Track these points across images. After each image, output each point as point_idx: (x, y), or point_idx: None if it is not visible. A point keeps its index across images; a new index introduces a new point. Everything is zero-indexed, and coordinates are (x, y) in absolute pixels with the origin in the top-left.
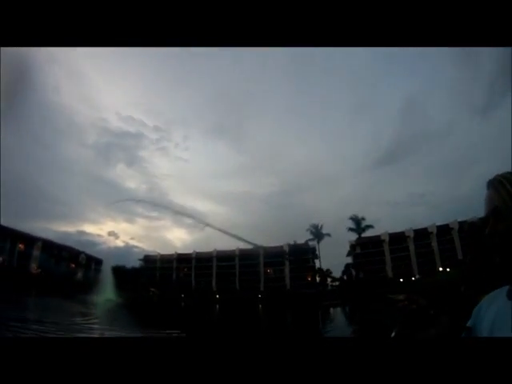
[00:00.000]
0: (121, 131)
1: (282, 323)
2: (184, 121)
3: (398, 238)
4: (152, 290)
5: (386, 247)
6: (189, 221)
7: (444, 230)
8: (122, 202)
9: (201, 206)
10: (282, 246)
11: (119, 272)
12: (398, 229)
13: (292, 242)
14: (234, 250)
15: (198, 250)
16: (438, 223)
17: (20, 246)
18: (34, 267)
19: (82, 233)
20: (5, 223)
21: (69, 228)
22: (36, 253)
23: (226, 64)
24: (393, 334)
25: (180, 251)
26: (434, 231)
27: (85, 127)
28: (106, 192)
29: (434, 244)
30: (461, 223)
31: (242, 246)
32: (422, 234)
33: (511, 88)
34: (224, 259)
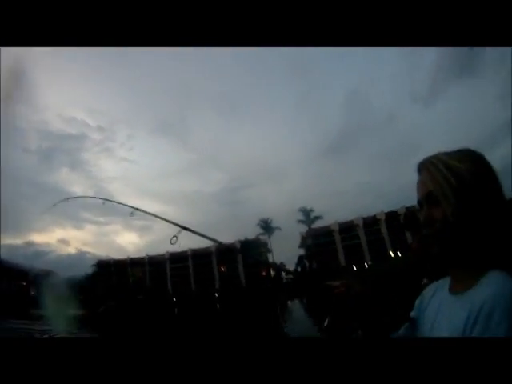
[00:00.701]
0: (63, 133)
1: (240, 321)
2: (128, 120)
3: (347, 227)
4: (101, 308)
5: (337, 236)
6: (139, 223)
7: (392, 216)
8: (68, 207)
9: (150, 207)
10: (233, 243)
11: (73, 281)
12: (347, 218)
13: (243, 239)
14: (186, 251)
15: (150, 254)
16: (386, 210)
17: None
18: None
19: (30, 243)
20: None
21: (15, 240)
22: None
23: (167, 61)
24: (325, 323)
25: (133, 255)
26: (383, 218)
27: (27, 131)
28: (52, 199)
29: (384, 230)
30: (408, 209)
31: (194, 245)
32: (371, 221)
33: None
34: (177, 261)
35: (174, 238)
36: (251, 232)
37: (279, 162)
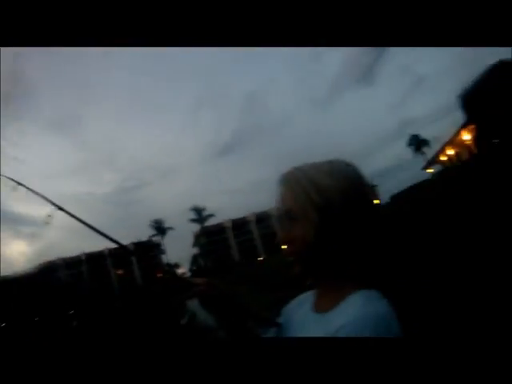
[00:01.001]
0: None
1: (142, 324)
2: (19, 115)
3: (240, 224)
4: None
5: (230, 233)
6: (27, 230)
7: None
8: None
9: (40, 211)
10: (126, 246)
11: None
12: (240, 215)
13: (136, 241)
14: (80, 256)
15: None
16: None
17: None
18: None
19: None
20: None
21: None
22: None
23: (60, 57)
24: (183, 321)
25: (22, 266)
26: (253, 218)
27: None
28: None
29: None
30: None
31: (88, 249)
32: (263, 217)
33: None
34: (71, 267)
35: (49, 217)
36: (144, 233)
37: (173, 162)
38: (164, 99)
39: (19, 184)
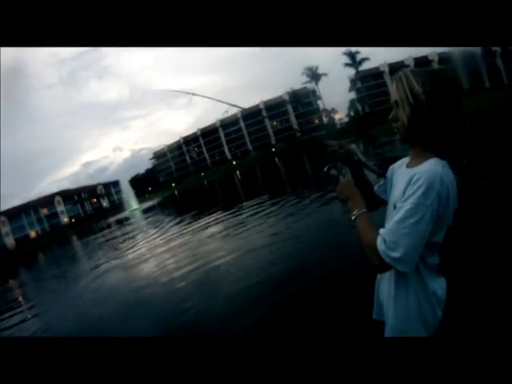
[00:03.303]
0: (77, 51)
1: (302, 169)
2: None
3: (397, 68)
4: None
5: (387, 78)
6: (183, 100)
7: (445, 58)
8: (111, 113)
9: (191, 82)
10: (281, 96)
11: (137, 181)
12: (396, 59)
13: (289, 90)
14: (236, 114)
15: (200, 127)
16: (439, 51)
17: (43, 210)
18: (65, 220)
19: (88, 164)
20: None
21: (73, 168)
22: (60, 208)
23: None
24: (324, 170)
25: (184, 134)
26: (436, 59)
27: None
28: (93, 115)
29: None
30: (463, 51)
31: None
32: (422, 61)
33: None
34: (229, 125)
35: (225, 112)
36: (297, 82)
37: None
38: None
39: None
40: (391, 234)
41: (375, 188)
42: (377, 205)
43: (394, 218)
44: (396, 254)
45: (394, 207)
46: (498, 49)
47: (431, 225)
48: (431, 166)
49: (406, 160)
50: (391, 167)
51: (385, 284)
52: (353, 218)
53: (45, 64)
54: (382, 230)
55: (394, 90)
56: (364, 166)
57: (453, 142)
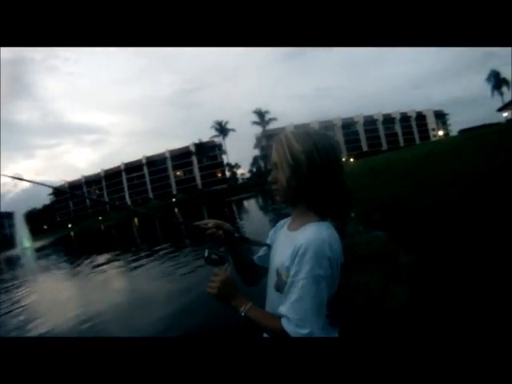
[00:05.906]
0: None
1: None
2: None
3: (302, 128)
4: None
5: None
6: (92, 137)
7: (348, 123)
8: (16, 136)
9: (101, 119)
10: (188, 147)
11: (33, 216)
12: (303, 121)
13: (197, 141)
14: (141, 159)
15: (105, 168)
16: (343, 116)
17: None
18: None
19: None
20: None
21: None
22: None
23: None
24: (205, 254)
25: (86, 173)
26: (339, 124)
27: None
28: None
29: (340, 135)
30: (366, 117)
31: (148, 153)
32: (327, 125)
33: None
34: (132, 170)
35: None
36: (206, 134)
37: (235, 64)
38: None
39: None
40: (295, 312)
41: (256, 259)
42: (259, 278)
43: (291, 293)
44: (306, 330)
45: (277, 272)
46: (397, 116)
47: (329, 289)
48: (316, 234)
49: (287, 220)
50: (273, 229)
51: None
52: (242, 314)
53: None
54: (283, 310)
55: (273, 152)
56: (247, 242)
57: (333, 201)
